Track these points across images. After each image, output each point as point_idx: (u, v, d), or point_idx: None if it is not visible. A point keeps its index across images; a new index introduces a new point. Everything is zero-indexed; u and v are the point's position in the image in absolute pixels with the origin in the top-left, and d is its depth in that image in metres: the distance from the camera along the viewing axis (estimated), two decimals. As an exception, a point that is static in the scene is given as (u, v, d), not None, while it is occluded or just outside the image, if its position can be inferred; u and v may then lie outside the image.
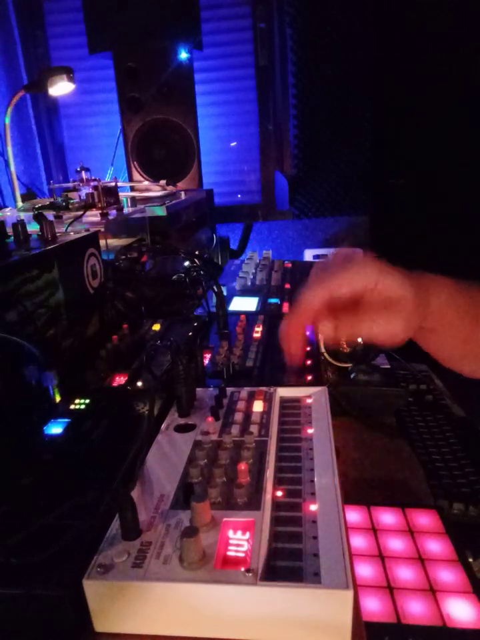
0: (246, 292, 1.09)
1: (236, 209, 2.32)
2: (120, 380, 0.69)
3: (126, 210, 1.23)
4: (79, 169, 1.36)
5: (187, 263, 1.15)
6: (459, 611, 0.67)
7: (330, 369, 1.48)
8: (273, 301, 1.02)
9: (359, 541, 0.81)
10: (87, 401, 0.62)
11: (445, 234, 2.15)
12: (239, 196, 2.37)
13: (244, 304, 1.01)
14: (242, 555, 0.37)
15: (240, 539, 0.38)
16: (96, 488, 0.46)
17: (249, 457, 0.48)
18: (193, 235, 1.52)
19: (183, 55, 1.83)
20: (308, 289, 0.45)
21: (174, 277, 1.04)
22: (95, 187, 1.23)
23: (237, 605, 0.35)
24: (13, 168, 1.56)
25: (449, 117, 2.03)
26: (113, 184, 1.29)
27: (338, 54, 2.01)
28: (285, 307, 0.99)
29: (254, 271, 1.19)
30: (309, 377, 0.70)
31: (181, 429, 0.55)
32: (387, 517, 0.87)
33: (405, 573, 0.74)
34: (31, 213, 1.06)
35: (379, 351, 1.48)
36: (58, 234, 0.79)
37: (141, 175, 1.92)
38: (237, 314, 0.91)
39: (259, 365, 0.73)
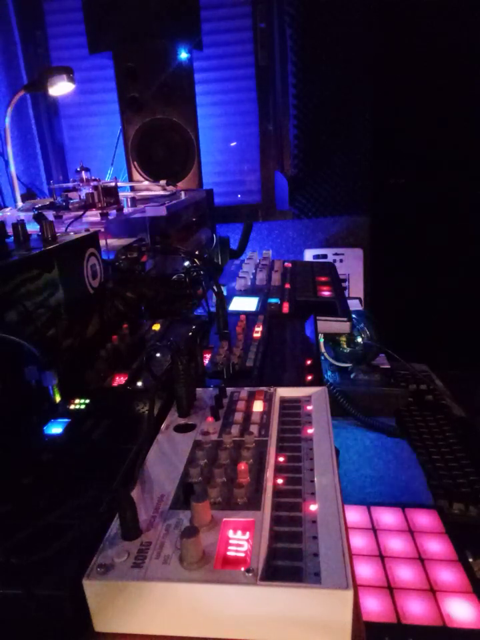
0: (246, 292, 1.09)
1: (236, 208, 2.31)
2: (120, 380, 0.69)
3: (126, 210, 1.23)
4: (79, 169, 1.36)
5: (186, 263, 1.15)
6: (459, 611, 0.67)
7: (330, 368, 1.48)
8: (272, 300, 1.02)
9: (359, 541, 0.81)
10: (87, 401, 0.62)
11: (444, 234, 2.15)
12: (239, 196, 2.37)
13: (244, 304, 1.01)
14: (242, 555, 0.37)
15: (240, 539, 0.38)
16: (96, 488, 0.46)
17: (249, 457, 0.48)
18: (193, 235, 1.52)
19: (183, 55, 1.82)
20: None
21: (174, 277, 1.04)
22: (95, 187, 1.23)
23: (237, 605, 0.35)
24: (13, 168, 1.55)
25: (449, 116, 2.04)
26: (113, 184, 1.29)
27: (338, 54, 2.00)
28: (285, 307, 0.99)
29: (254, 271, 1.19)
30: (309, 377, 0.70)
31: (181, 429, 0.55)
32: (387, 516, 0.87)
33: (405, 573, 0.74)
34: (31, 213, 1.06)
35: (379, 351, 1.48)
36: (58, 234, 0.79)
37: (140, 174, 1.92)
38: (237, 314, 0.91)
39: (259, 364, 0.73)
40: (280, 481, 0.46)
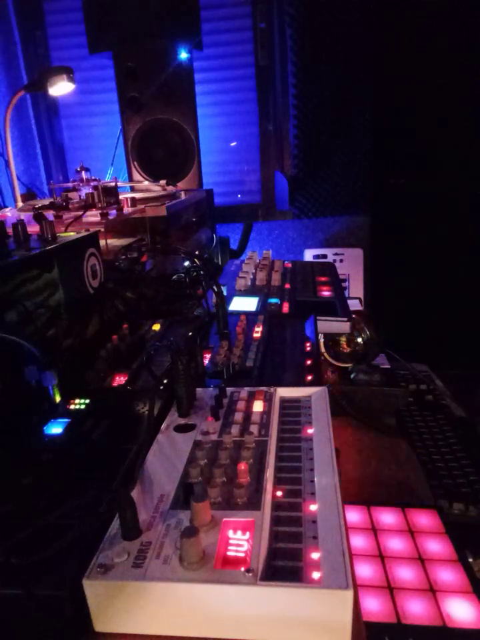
0: (246, 292, 1.09)
1: (236, 208, 2.31)
2: (120, 380, 0.69)
3: (126, 210, 1.23)
4: (79, 169, 1.36)
5: (186, 263, 1.15)
6: (459, 611, 0.67)
7: (330, 368, 1.48)
8: (272, 300, 1.02)
9: (359, 541, 0.81)
10: (87, 401, 0.62)
11: (444, 234, 2.15)
12: (239, 196, 2.37)
13: (244, 304, 1.01)
14: (242, 555, 0.37)
15: (240, 539, 0.38)
16: (96, 488, 0.46)
17: (249, 457, 0.48)
18: (193, 235, 1.52)
19: (183, 55, 1.82)
20: None
21: (174, 277, 1.04)
22: (95, 187, 1.23)
23: (237, 605, 0.35)
24: (13, 168, 1.56)
25: (449, 116, 2.04)
26: (113, 184, 1.28)
27: (338, 54, 2.01)
28: (285, 307, 0.99)
29: (254, 271, 1.19)
30: (309, 377, 0.70)
31: (181, 429, 0.55)
32: (387, 517, 0.87)
33: (405, 573, 0.74)
34: (31, 213, 1.06)
35: (379, 350, 1.48)
36: (58, 234, 0.79)
37: (141, 174, 1.92)
38: (237, 314, 0.91)
39: (259, 365, 0.73)
40: (280, 480, 0.45)
